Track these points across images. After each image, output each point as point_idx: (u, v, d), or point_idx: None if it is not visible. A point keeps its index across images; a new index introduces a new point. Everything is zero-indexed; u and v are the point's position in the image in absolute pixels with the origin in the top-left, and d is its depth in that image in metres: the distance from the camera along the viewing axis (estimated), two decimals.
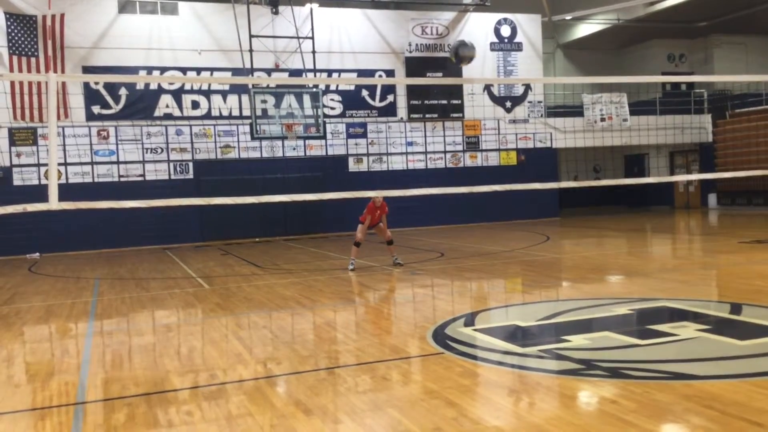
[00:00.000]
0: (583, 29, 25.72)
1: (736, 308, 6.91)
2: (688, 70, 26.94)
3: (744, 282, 8.56)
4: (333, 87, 20.74)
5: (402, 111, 21.52)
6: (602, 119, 21.89)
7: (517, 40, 22.74)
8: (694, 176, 17.26)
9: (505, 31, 22.63)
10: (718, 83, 25.92)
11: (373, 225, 11.77)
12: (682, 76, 20.16)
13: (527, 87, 22.80)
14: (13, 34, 17.67)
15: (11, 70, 17.51)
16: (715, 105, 24.97)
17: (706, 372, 4.78)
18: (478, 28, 22.29)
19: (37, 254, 17.57)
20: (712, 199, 24.35)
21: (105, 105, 18.69)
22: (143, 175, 19.05)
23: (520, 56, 22.75)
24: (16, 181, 17.86)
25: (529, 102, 22.88)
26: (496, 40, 22.52)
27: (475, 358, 5.53)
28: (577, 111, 22.82)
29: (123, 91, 18.82)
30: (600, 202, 27.73)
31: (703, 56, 26.75)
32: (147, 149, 19.09)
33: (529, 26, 22.92)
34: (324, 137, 20.42)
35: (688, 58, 27.27)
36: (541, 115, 23.04)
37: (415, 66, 21.40)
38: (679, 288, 8.35)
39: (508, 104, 22.66)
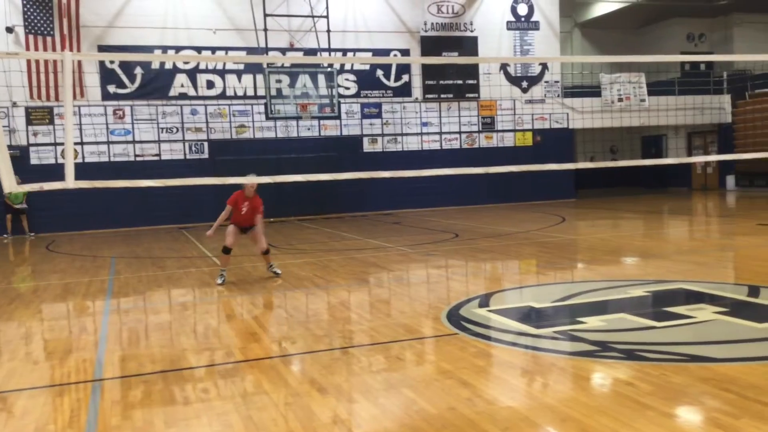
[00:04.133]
0: (602, 7, 25.33)
1: (754, 291, 6.84)
2: (707, 49, 26.49)
3: (762, 264, 8.47)
4: (348, 67, 20.61)
5: (417, 91, 21.38)
6: (620, 99, 21.63)
7: (534, 18, 22.44)
8: (713, 157, 17.04)
9: (522, 9, 22.34)
10: (738, 63, 25.47)
11: (243, 226, 9.22)
12: (702, 56, 19.76)
13: (544, 66, 22.53)
14: (29, 14, 17.69)
15: (27, 49, 17.55)
16: (735, 85, 24.59)
17: (723, 355, 4.74)
18: (494, 7, 22.02)
19: (32, 235, 17.48)
20: (731, 180, 24.06)
21: (120, 84, 18.73)
22: (159, 155, 19.11)
23: (537, 35, 22.46)
24: (33, 160, 17.98)
25: (546, 82, 22.63)
26: (512, 18, 22.23)
27: (489, 338, 5.52)
28: (594, 91, 22.55)
29: (138, 71, 18.83)
30: (617, 183, 27.52)
31: (723, 35, 26.29)
32: (162, 129, 19.13)
33: (546, 4, 22.60)
34: (338, 117, 20.37)
35: (708, 37, 26.82)
36: (558, 95, 22.79)
37: (430, 45, 21.20)
38: (696, 270, 8.28)
39: (525, 84, 22.43)
